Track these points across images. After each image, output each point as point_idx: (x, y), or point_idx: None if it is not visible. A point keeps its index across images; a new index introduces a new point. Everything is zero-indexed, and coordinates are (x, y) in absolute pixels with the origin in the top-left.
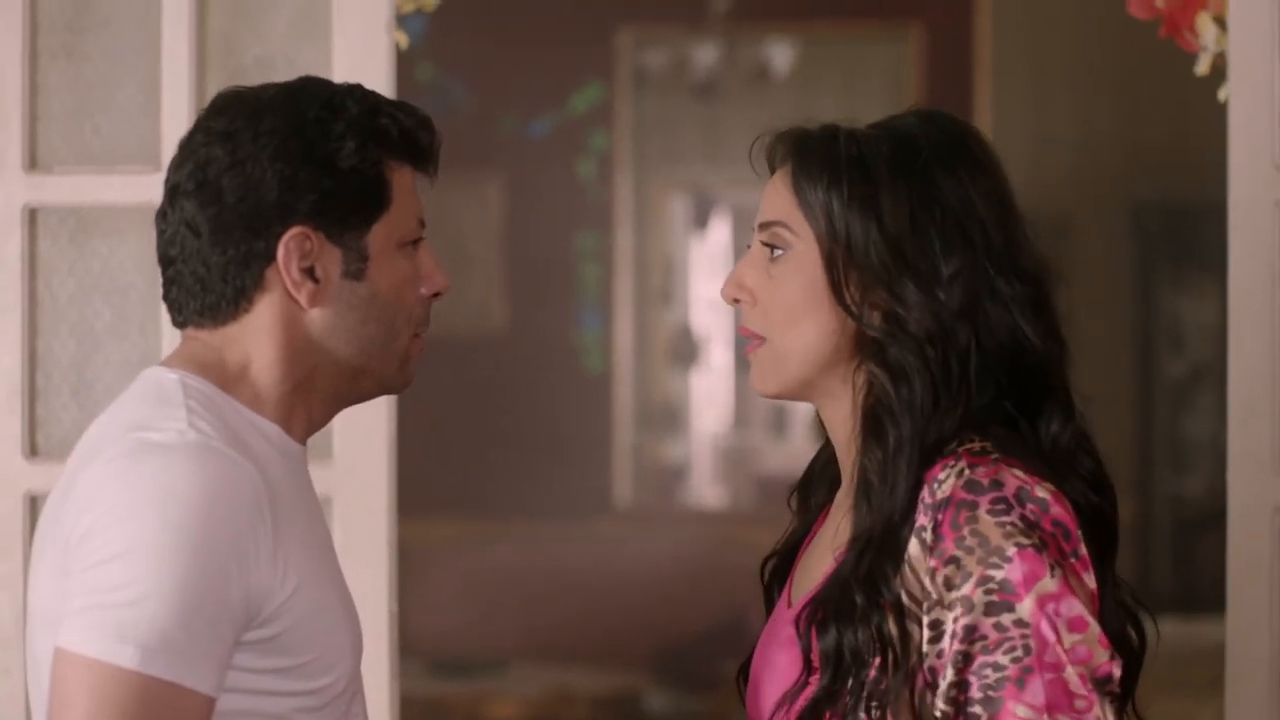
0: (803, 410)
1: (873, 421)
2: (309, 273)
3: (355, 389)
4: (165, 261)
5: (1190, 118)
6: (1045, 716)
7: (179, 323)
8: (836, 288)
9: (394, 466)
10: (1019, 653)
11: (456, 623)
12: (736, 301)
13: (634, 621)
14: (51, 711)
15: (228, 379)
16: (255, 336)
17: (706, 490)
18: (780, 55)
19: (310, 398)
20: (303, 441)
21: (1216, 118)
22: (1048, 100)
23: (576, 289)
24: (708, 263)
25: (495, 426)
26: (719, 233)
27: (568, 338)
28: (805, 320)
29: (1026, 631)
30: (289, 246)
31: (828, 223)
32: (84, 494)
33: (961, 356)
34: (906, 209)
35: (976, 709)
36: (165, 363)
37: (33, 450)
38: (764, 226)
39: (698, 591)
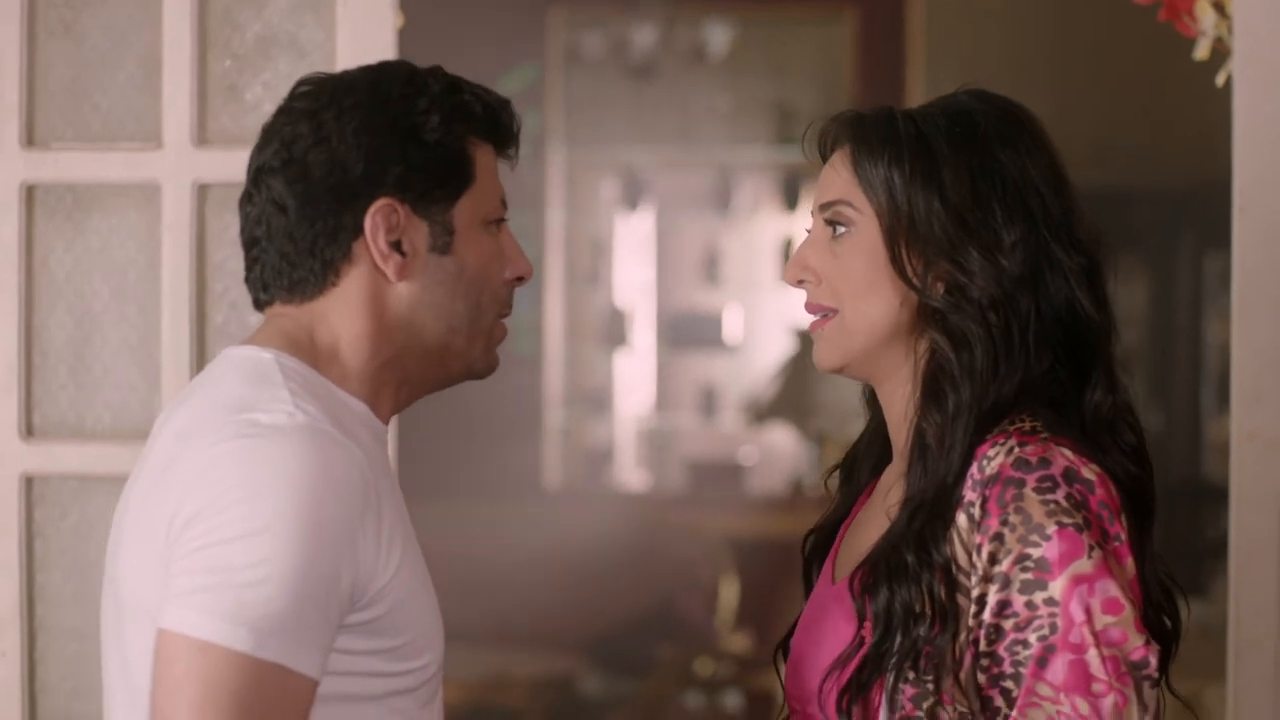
0: (732, 394)
1: (933, 387)
2: (396, 246)
3: (442, 371)
4: (250, 243)
5: (1131, 102)
6: (1062, 696)
7: (264, 302)
8: (898, 262)
9: (396, 449)
10: (1045, 631)
11: None
12: (800, 283)
13: (568, 604)
14: (157, 695)
15: (319, 358)
16: (343, 311)
17: (634, 473)
18: (716, 37)
19: (399, 378)
20: (386, 422)
21: (1167, 102)
22: (979, 83)
23: None
24: (635, 244)
25: (426, 408)
26: (646, 214)
27: None
28: (872, 294)
29: (1055, 610)
30: (376, 219)
31: (889, 198)
32: (191, 475)
33: (1022, 324)
34: (968, 181)
35: (1008, 684)
36: (255, 341)
37: (29, 431)
38: (825, 206)
39: (630, 574)
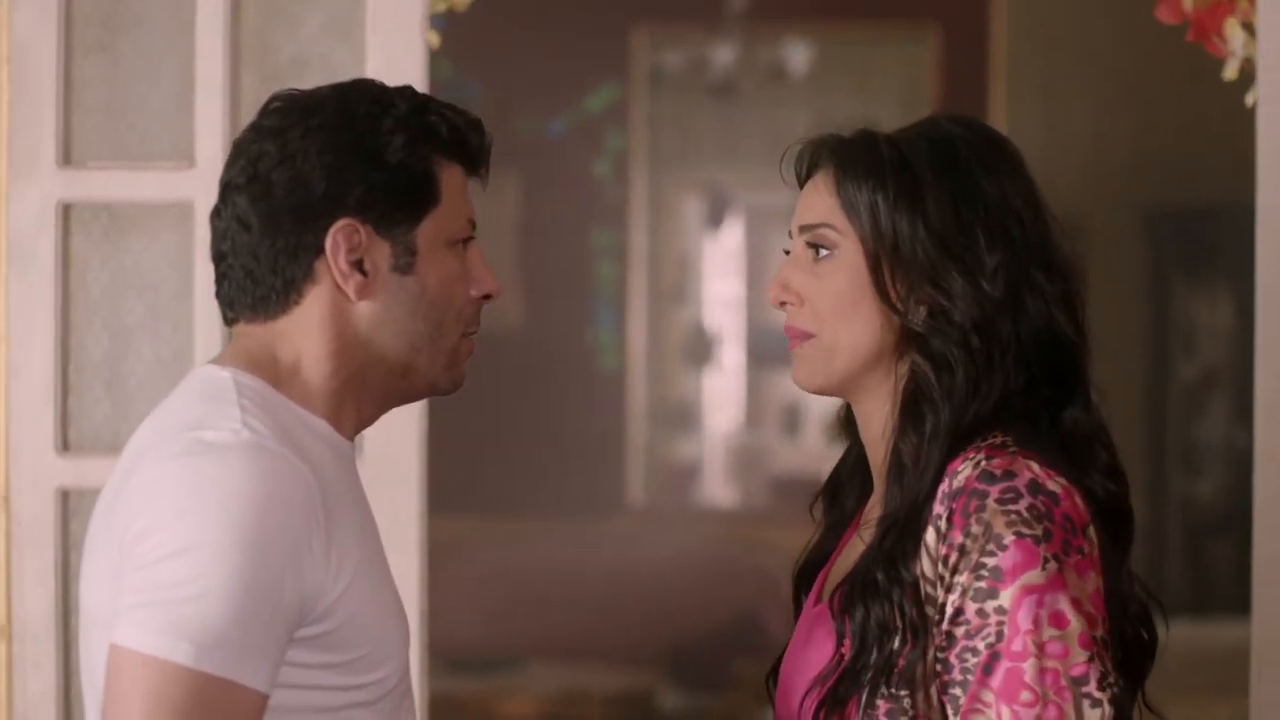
0: (816, 411)
1: (912, 408)
2: (358, 265)
3: (405, 387)
4: (217, 258)
5: (1209, 122)
6: (1000, 703)
7: (230, 319)
8: (881, 286)
9: (425, 465)
10: (991, 639)
11: (470, 620)
12: (783, 304)
13: (648, 620)
14: (108, 708)
15: (280, 376)
16: (305, 330)
17: (719, 489)
18: (797, 55)
19: (360, 395)
20: (351, 438)
21: (1240, 122)
22: (1062, 102)
23: (591, 287)
24: (722, 261)
25: (509, 424)
26: (733, 231)
27: (582, 336)
28: (854, 317)
29: (1003, 619)
30: (336, 238)
31: (873, 223)
32: (139, 492)
33: (1003, 347)
34: (951, 206)
35: (956, 690)
36: (217, 360)
37: (65, 445)
38: (806, 228)
39: (711, 590)
